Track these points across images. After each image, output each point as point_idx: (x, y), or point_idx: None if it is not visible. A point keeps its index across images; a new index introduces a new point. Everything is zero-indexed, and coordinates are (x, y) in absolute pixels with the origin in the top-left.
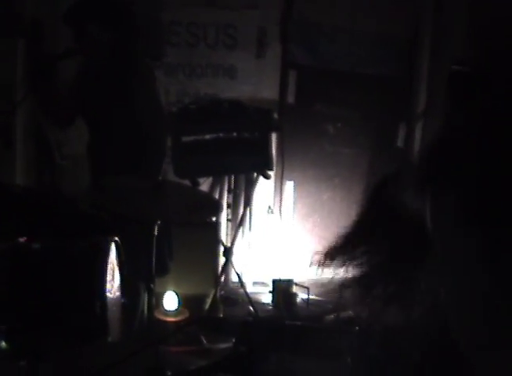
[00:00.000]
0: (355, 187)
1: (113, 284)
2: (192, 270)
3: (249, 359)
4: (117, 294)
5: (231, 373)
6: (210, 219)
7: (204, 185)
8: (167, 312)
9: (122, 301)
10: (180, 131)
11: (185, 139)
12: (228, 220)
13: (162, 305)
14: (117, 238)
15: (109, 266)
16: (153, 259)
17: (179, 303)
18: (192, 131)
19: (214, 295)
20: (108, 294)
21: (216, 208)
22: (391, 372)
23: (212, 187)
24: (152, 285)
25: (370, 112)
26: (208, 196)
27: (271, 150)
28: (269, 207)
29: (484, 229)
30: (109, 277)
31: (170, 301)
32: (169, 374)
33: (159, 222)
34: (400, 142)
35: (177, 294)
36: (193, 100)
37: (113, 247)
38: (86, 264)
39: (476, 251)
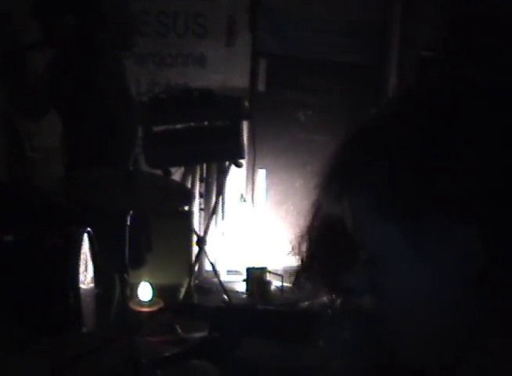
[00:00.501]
0: None
1: (86, 275)
2: (166, 260)
3: (222, 345)
4: (91, 284)
5: (204, 359)
6: (183, 209)
7: (176, 174)
8: (141, 303)
9: (96, 291)
10: (151, 120)
11: (157, 128)
12: (200, 209)
13: (136, 295)
14: (89, 229)
15: (83, 257)
16: (127, 250)
17: (154, 293)
18: (164, 120)
19: (189, 285)
20: (82, 285)
21: (188, 197)
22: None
23: (184, 177)
24: (126, 275)
25: (341, 99)
26: (180, 185)
27: (242, 139)
28: (242, 196)
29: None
30: (82, 268)
31: (144, 291)
32: (143, 362)
33: (131, 213)
34: None
35: (151, 284)
36: (164, 90)
37: (85, 238)
38: (59, 255)
39: (399, 246)
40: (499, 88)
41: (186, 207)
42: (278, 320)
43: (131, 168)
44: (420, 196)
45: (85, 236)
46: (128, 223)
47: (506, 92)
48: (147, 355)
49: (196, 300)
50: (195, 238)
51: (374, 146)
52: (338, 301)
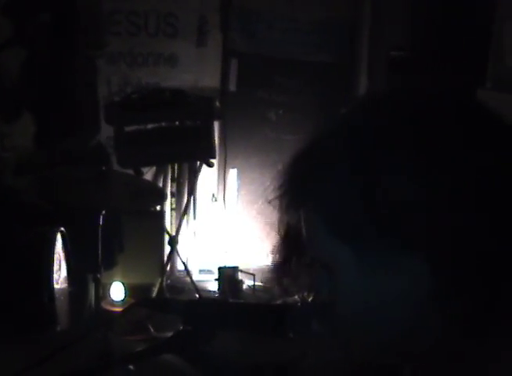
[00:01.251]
0: None
1: (60, 274)
2: (138, 260)
3: (194, 338)
4: (65, 283)
5: (176, 352)
6: (155, 208)
7: (148, 174)
8: (114, 303)
9: (70, 290)
10: (122, 120)
11: (128, 128)
12: (172, 209)
13: (109, 295)
14: (63, 228)
15: (56, 256)
16: (100, 249)
17: (126, 293)
18: (135, 120)
19: (161, 284)
20: (55, 284)
21: (160, 196)
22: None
23: (155, 176)
24: (99, 275)
25: (312, 98)
26: (152, 184)
27: (213, 138)
28: (213, 195)
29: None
30: (56, 267)
31: (116, 291)
32: (116, 357)
33: (104, 212)
34: None
35: (123, 284)
36: (135, 89)
37: (59, 237)
38: (33, 254)
39: (349, 262)
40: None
41: (158, 207)
42: (249, 314)
43: (104, 167)
44: (368, 220)
45: (58, 235)
46: (101, 223)
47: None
48: (120, 351)
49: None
50: (167, 238)
51: (325, 166)
52: (308, 298)
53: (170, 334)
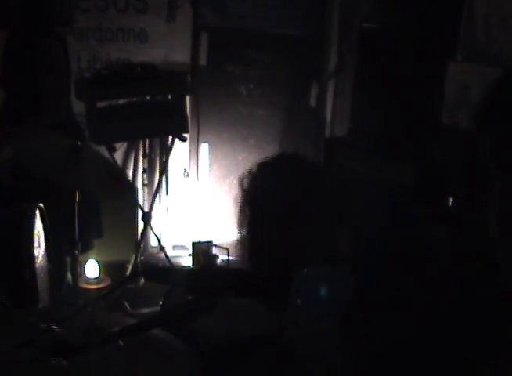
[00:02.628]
0: (269, 147)
1: (39, 251)
2: (111, 237)
3: (197, 307)
4: (44, 260)
5: (164, 327)
6: (127, 184)
7: (119, 150)
8: (88, 280)
9: (49, 267)
10: (93, 96)
11: (99, 104)
12: (144, 185)
13: (84, 273)
14: (41, 204)
15: (35, 233)
16: (76, 226)
17: (100, 271)
18: (106, 96)
19: (135, 261)
20: (35, 260)
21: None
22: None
23: (127, 152)
24: (76, 252)
25: (282, 72)
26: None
27: (186, 113)
28: (185, 171)
29: None
30: (35, 244)
31: (91, 269)
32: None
33: (80, 195)
34: (312, 102)
35: (98, 261)
36: (106, 65)
37: (37, 213)
38: (12, 231)
39: None
40: None
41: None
42: (253, 281)
43: (79, 143)
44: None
45: (37, 211)
46: (77, 199)
47: None
48: (109, 327)
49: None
50: (140, 214)
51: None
52: None
53: (146, 311)
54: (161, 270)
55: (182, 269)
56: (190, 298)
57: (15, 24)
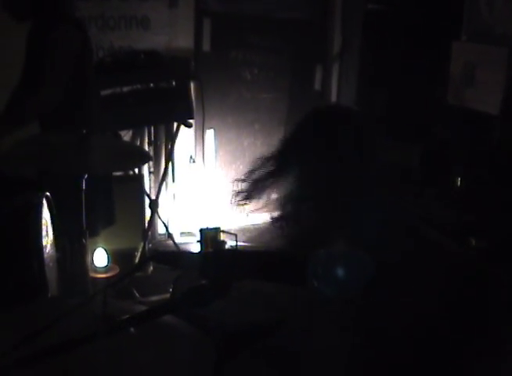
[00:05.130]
0: (274, 131)
1: (47, 240)
2: (119, 225)
3: (210, 292)
4: (52, 249)
5: (194, 306)
6: (134, 172)
7: (125, 138)
8: (97, 269)
9: (57, 256)
10: (97, 84)
11: (104, 92)
12: (150, 173)
13: (92, 262)
14: (47, 193)
15: (43, 222)
16: (83, 214)
17: (109, 259)
18: (110, 84)
19: (143, 249)
20: (44, 250)
21: (142, 156)
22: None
23: (132, 141)
24: (84, 241)
25: (286, 56)
26: (133, 146)
27: (191, 99)
28: (191, 157)
29: None
30: (43, 233)
31: (100, 257)
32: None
33: (87, 179)
34: (317, 85)
35: (106, 250)
36: (109, 53)
37: (44, 202)
38: (20, 220)
39: None
40: None
41: (137, 171)
42: (268, 262)
43: (84, 131)
44: None
45: (44, 200)
46: (84, 188)
47: None
48: (120, 314)
49: (151, 264)
50: (147, 201)
51: None
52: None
53: (155, 298)
54: (172, 254)
55: (194, 253)
56: (202, 282)
57: (24, 14)
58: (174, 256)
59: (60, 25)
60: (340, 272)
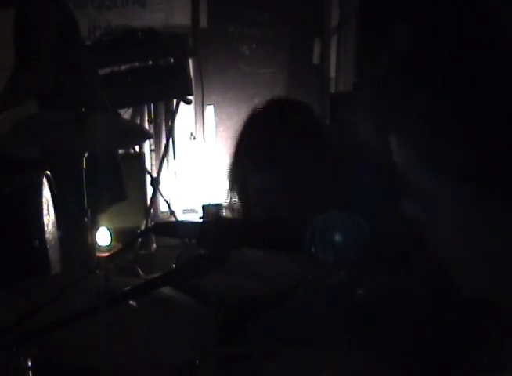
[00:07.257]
0: None
1: (49, 219)
2: (121, 204)
3: (210, 260)
4: (54, 228)
5: (194, 275)
6: (135, 150)
7: (124, 117)
8: (100, 248)
9: (59, 235)
10: (96, 63)
11: (102, 71)
12: (151, 150)
13: (95, 240)
14: (47, 172)
15: (44, 201)
16: (85, 193)
17: (112, 238)
18: (108, 62)
19: (146, 227)
20: (45, 228)
21: (142, 134)
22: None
23: (132, 119)
24: (86, 219)
25: (284, 30)
26: (132, 123)
27: (189, 75)
28: (191, 134)
29: None
30: (44, 212)
31: (102, 236)
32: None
33: (86, 155)
34: (315, 59)
35: (109, 229)
36: (106, 32)
37: (45, 181)
38: (21, 199)
39: None
40: None
41: (138, 149)
42: (266, 230)
43: (83, 109)
44: None
45: (44, 179)
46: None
47: None
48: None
49: (154, 242)
50: (149, 179)
51: None
52: None
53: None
54: (171, 225)
55: (192, 223)
56: (202, 251)
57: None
58: (174, 226)
59: (38, 1)
60: (337, 237)
